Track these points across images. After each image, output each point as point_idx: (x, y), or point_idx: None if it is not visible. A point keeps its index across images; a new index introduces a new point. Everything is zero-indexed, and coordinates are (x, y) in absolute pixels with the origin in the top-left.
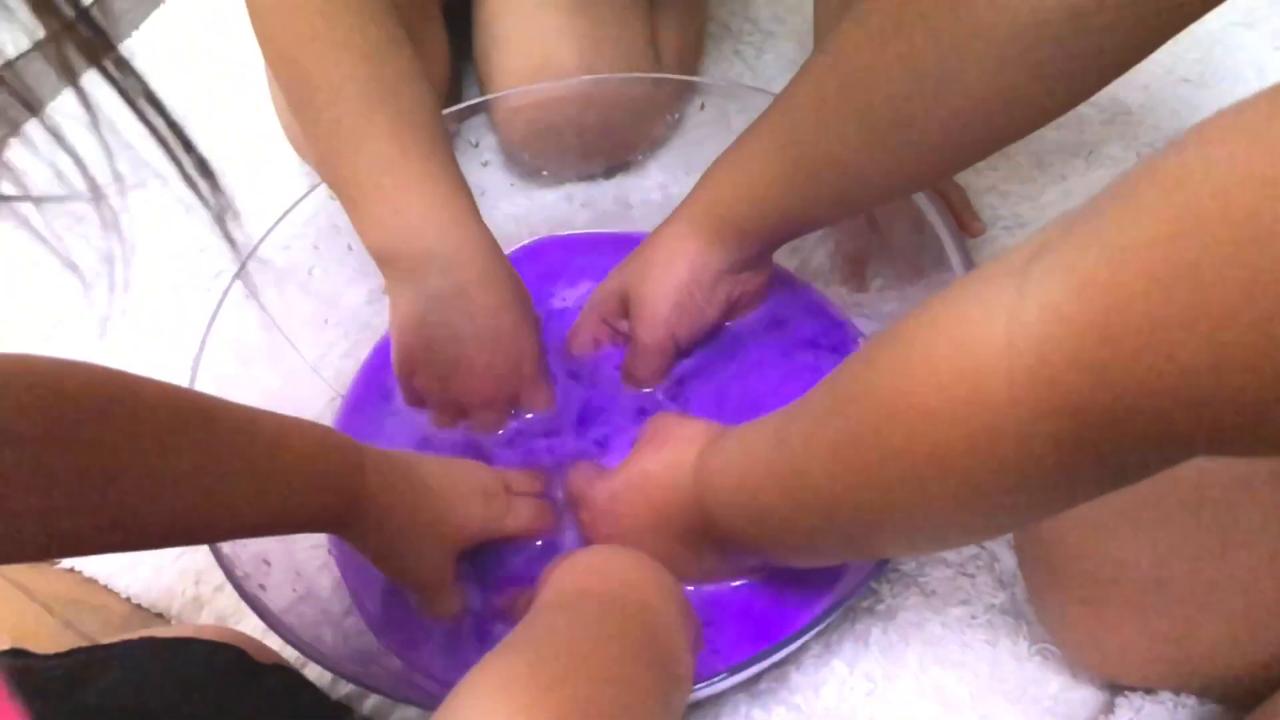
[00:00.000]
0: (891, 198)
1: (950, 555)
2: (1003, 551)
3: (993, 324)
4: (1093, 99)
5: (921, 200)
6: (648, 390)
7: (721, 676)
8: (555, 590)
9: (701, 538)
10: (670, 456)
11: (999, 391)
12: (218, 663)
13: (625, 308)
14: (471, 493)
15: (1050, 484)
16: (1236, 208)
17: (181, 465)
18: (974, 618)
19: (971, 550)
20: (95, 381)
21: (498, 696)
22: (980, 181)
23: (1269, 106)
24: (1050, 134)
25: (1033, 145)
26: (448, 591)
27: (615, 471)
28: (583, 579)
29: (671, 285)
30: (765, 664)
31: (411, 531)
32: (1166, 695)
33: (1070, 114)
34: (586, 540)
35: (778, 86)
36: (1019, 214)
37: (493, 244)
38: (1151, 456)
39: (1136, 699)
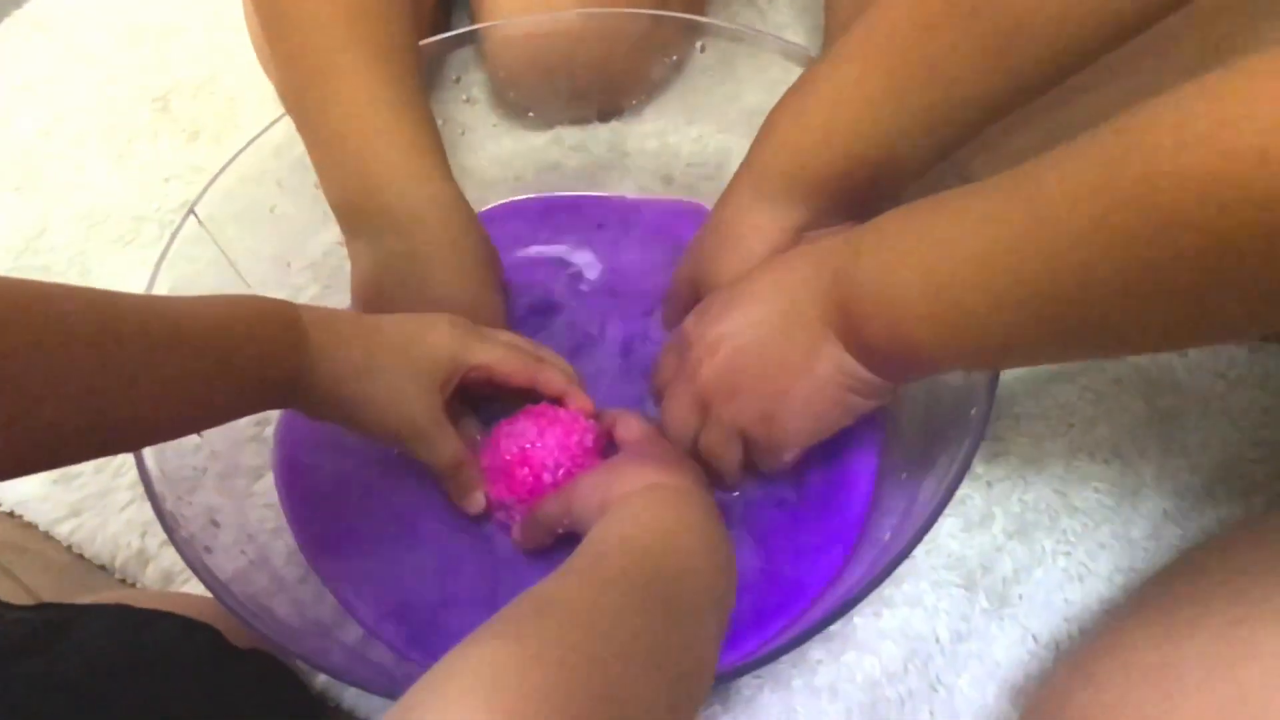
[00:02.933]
0: (994, 120)
1: None
2: None
3: None
4: None
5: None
6: None
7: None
8: (588, 543)
9: (837, 335)
10: (807, 258)
11: None
12: (191, 642)
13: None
14: (434, 322)
15: None
16: None
17: (85, 362)
18: None
19: None
20: None
21: (473, 695)
22: None
23: None
24: None
25: None
26: (443, 430)
27: (724, 293)
28: (620, 528)
29: (748, 266)
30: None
31: (378, 370)
32: None
33: None
34: (691, 397)
35: (790, 35)
36: None
37: (459, 205)
38: None
39: None
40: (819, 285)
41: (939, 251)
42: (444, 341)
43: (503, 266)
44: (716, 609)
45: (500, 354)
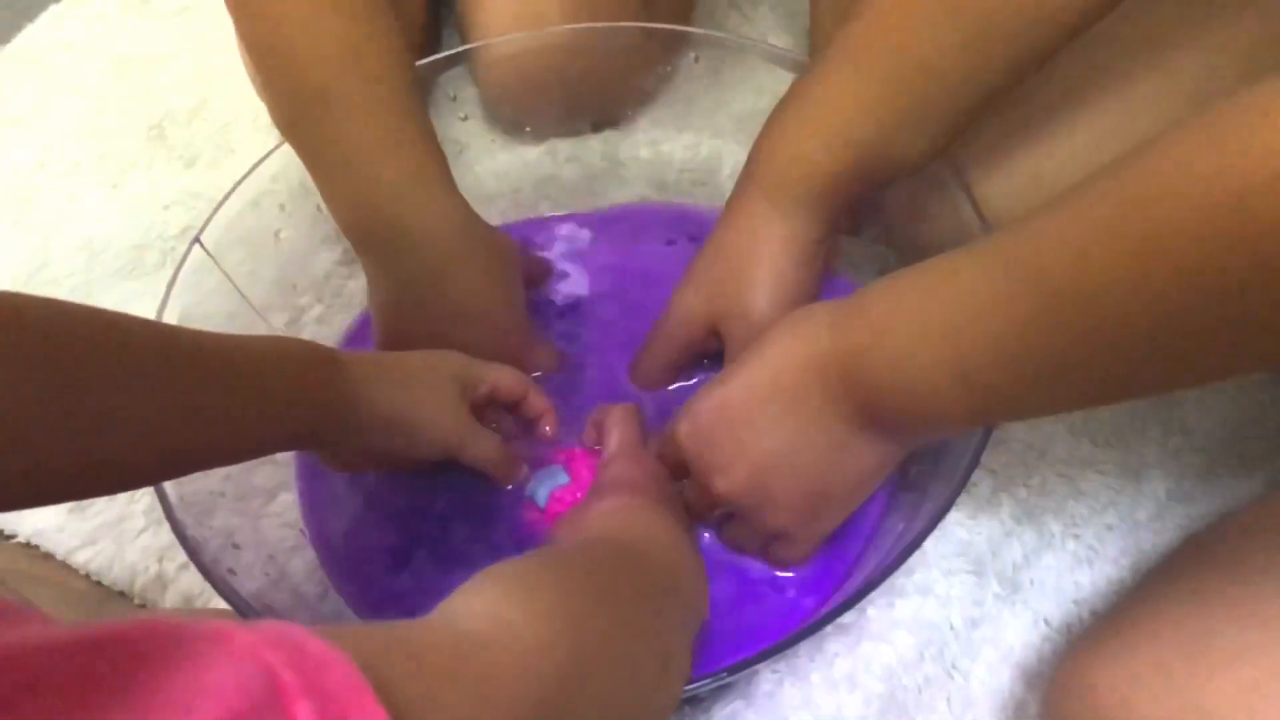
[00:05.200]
0: (989, 106)
1: None
2: None
3: None
4: None
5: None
6: None
7: (712, 679)
8: (570, 533)
9: (860, 427)
10: (795, 342)
11: None
12: None
13: (714, 330)
14: (446, 352)
15: None
16: None
17: (148, 395)
18: None
19: None
20: (54, 311)
21: (485, 585)
22: None
23: None
24: None
25: None
26: (481, 429)
27: (720, 381)
28: (600, 526)
29: (777, 285)
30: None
31: (420, 388)
32: None
33: None
34: (696, 468)
35: (775, 39)
36: None
37: (468, 216)
38: None
39: None
40: (824, 388)
41: (955, 341)
42: (462, 363)
43: (522, 264)
44: (680, 607)
45: (503, 374)
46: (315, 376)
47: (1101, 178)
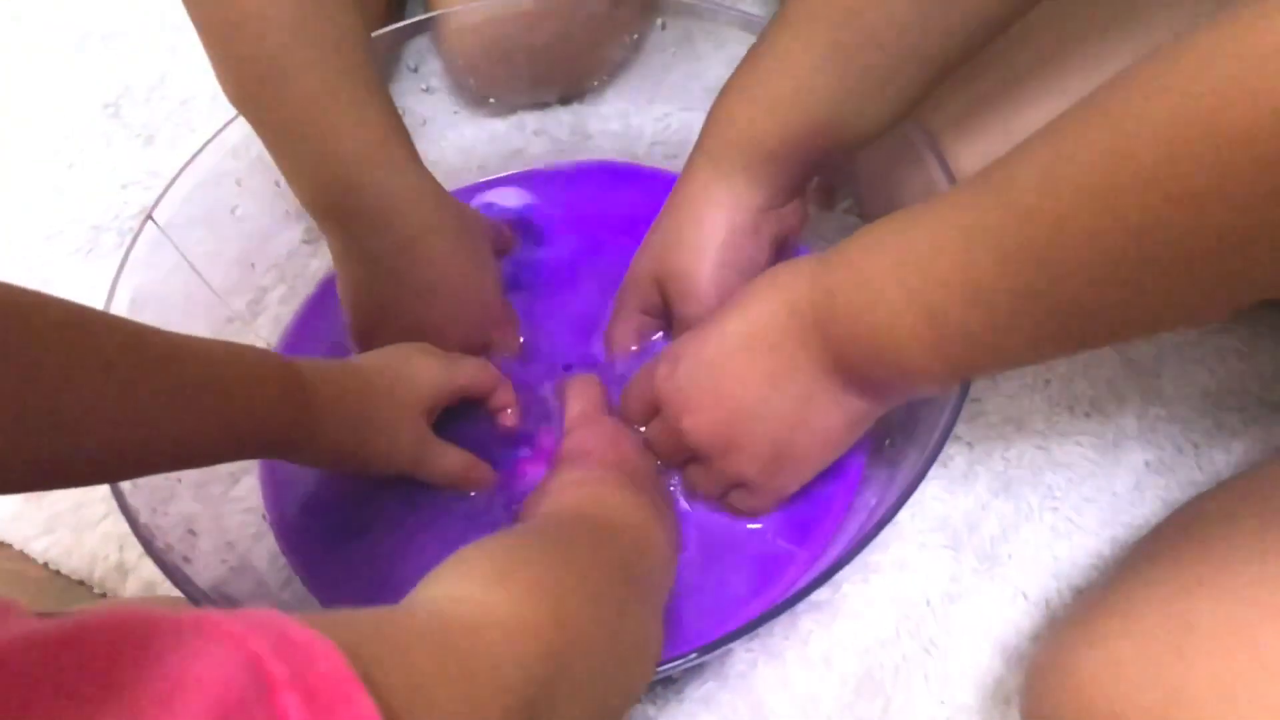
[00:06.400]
0: (944, 76)
1: None
2: None
3: None
4: None
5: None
6: None
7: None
8: (538, 505)
9: (833, 382)
10: (776, 291)
11: None
12: None
13: (661, 292)
14: (408, 356)
15: None
16: None
17: (111, 395)
18: None
19: None
20: (14, 299)
21: (463, 568)
22: None
23: None
24: None
25: None
26: (438, 448)
27: (703, 327)
28: (567, 499)
29: (712, 248)
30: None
31: (373, 416)
32: None
33: None
34: (674, 429)
35: (749, 6)
36: None
37: (432, 188)
38: None
39: None
40: (800, 335)
41: (925, 274)
42: (427, 373)
43: (490, 230)
44: (651, 580)
45: (474, 374)
46: (280, 401)
47: (1072, 107)
